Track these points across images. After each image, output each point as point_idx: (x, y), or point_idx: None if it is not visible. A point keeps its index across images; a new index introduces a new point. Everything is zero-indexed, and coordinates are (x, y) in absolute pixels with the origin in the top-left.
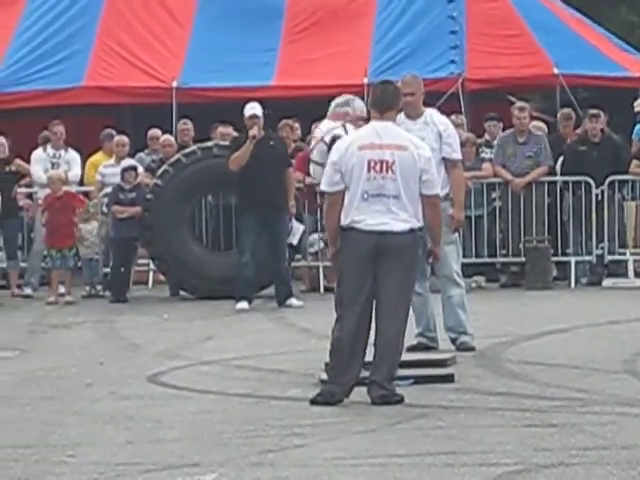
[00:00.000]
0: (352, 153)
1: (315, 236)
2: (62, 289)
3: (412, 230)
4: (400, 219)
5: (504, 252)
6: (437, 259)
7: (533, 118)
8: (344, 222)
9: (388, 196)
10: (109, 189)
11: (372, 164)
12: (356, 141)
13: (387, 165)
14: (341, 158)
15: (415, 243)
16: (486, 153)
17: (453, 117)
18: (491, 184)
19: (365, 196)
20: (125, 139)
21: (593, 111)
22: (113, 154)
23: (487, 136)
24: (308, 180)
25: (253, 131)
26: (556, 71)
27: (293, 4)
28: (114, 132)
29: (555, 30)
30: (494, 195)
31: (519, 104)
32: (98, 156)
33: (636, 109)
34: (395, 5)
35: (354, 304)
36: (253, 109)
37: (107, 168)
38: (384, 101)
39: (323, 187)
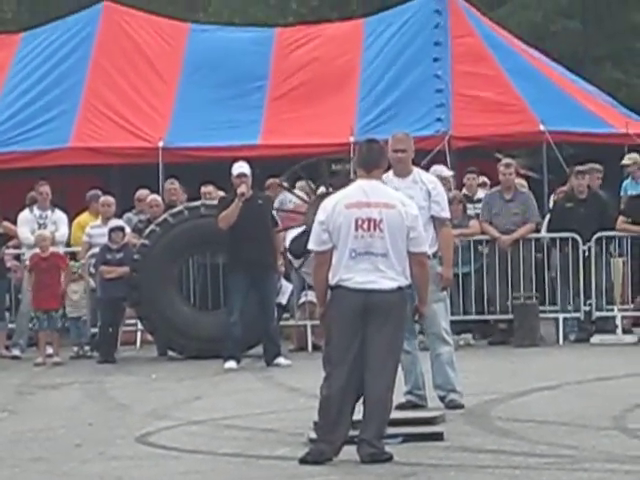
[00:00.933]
0: (339, 212)
1: (306, 291)
2: (50, 350)
3: (400, 288)
4: (388, 277)
5: (492, 309)
6: (423, 317)
7: (520, 175)
8: (332, 281)
9: (376, 254)
10: (97, 249)
11: (360, 222)
12: (343, 199)
13: (375, 223)
14: (328, 217)
15: (403, 301)
16: (470, 209)
17: (441, 167)
18: (478, 241)
19: (353, 254)
20: (111, 199)
21: (580, 168)
22: (99, 215)
23: (465, 190)
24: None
25: (242, 189)
26: (542, 128)
27: (278, 61)
28: (100, 193)
29: (541, 87)
30: (481, 249)
31: (505, 161)
32: (84, 216)
33: (624, 162)
34: (379, 63)
35: (343, 362)
36: (241, 168)
37: (94, 229)
38: (370, 160)
39: (311, 246)
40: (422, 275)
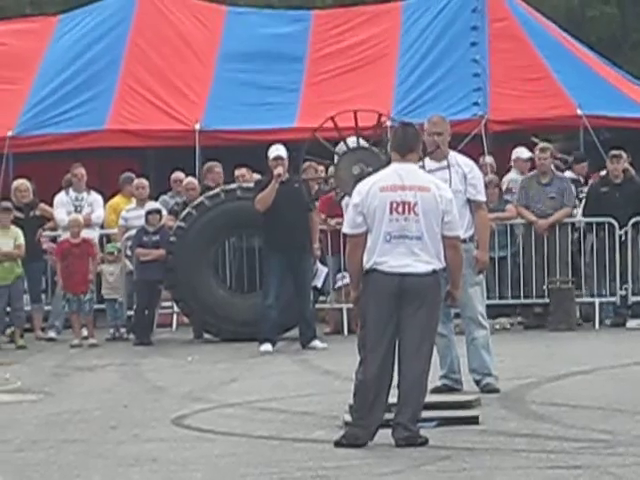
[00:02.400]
0: (374, 195)
1: (343, 274)
2: (85, 332)
3: (435, 271)
4: (423, 260)
5: (527, 293)
6: (455, 301)
7: (556, 159)
8: (367, 264)
9: (411, 237)
10: (133, 232)
11: (394, 205)
12: (378, 183)
13: (409, 206)
14: (363, 200)
15: (438, 284)
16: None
17: (522, 148)
18: (515, 225)
19: (388, 238)
20: (144, 182)
21: (615, 152)
22: (132, 197)
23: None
24: (332, 222)
25: (278, 170)
26: (579, 112)
27: (315, 44)
28: (133, 175)
29: (577, 72)
30: (518, 232)
31: (541, 145)
32: (117, 199)
33: None
34: (417, 48)
35: (378, 346)
36: (277, 150)
37: (130, 212)
38: (405, 143)
39: (345, 229)
40: (456, 259)
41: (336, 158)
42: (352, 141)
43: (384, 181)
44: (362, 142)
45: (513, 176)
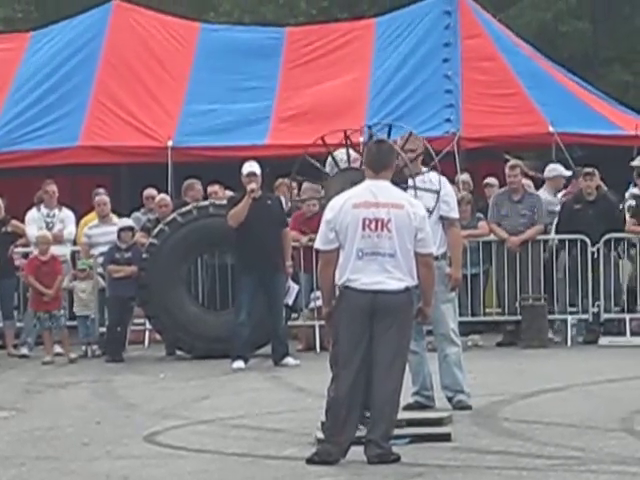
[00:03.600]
0: (347, 211)
1: (316, 293)
2: (58, 349)
3: (407, 289)
4: (395, 278)
5: (499, 310)
6: (426, 319)
7: (528, 177)
8: (339, 281)
9: (383, 254)
10: (96, 250)
11: (367, 222)
12: (350, 199)
13: (382, 223)
14: (335, 216)
15: (410, 302)
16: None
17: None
18: (487, 242)
19: (360, 254)
20: (105, 198)
21: (587, 169)
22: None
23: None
24: (304, 239)
25: (252, 185)
26: (551, 129)
27: (288, 61)
28: (101, 191)
29: (550, 89)
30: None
31: (511, 162)
32: (91, 216)
33: (635, 164)
34: (389, 64)
35: (350, 363)
36: (251, 167)
37: (92, 229)
38: (379, 160)
39: (317, 245)
40: (428, 276)
41: (327, 179)
42: (341, 153)
43: (357, 197)
44: (353, 157)
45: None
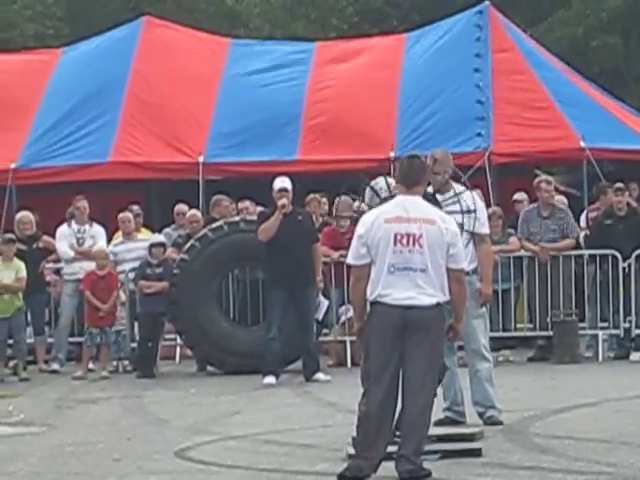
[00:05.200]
0: (379, 226)
1: (344, 307)
2: (91, 365)
3: (439, 304)
4: (427, 293)
5: (531, 326)
6: (457, 335)
7: (559, 192)
8: (370, 296)
9: (415, 270)
10: (122, 266)
11: (399, 237)
12: (382, 214)
13: (414, 238)
14: (367, 231)
15: (442, 317)
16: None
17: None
18: (518, 258)
19: (392, 269)
20: (129, 215)
21: (619, 185)
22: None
23: None
24: (335, 255)
25: (282, 201)
26: (582, 144)
27: (318, 74)
28: (136, 208)
29: (581, 104)
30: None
31: (546, 177)
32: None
33: None
34: (420, 76)
35: (381, 378)
36: (283, 182)
37: (117, 246)
38: (411, 176)
39: (349, 260)
40: (460, 292)
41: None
42: (380, 182)
43: (389, 213)
44: (393, 185)
45: None
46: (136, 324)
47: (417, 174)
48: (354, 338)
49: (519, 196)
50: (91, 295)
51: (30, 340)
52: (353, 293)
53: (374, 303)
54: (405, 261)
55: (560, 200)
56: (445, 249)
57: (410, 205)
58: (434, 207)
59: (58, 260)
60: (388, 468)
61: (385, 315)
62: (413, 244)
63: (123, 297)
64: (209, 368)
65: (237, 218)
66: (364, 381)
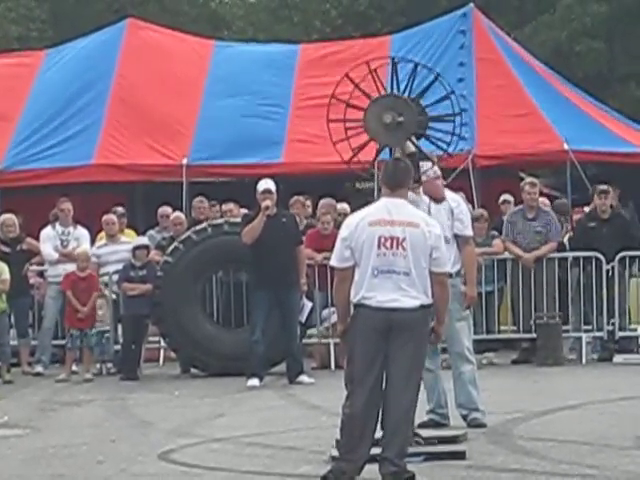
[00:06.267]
0: (362, 229)
1: (328, 310)
2: (74, 367)
3: (422, 306)
4: (410, 296)
5: (515, 328)
6: (439, 338)
7: (543, 194)
8: (354, 298)
9: (398, 272)
10: (105, 268)
11: (382, 240)
12: (366, 217)
13: (398, 241)
14: (351, 234)
15: (425, 319)
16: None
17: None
18: (502, 260)
19: (375, 272)
20: (113, 218)
21: (602, 187)
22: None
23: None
24: (319, 257)
25: (266, 203)
26: (566, 147)
27: (302, 76)
28: (120, 209)
29: (564, 107)
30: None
31: (530, 180)
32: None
33: None
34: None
35: (365, 381)
36: (267, 184)
37: (101, 248)
38: (395, 178)
39: (333, 263)
40: (442, 295)
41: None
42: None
43: (373, 215)
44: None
45: None
46: (120, 326)
47: (402, 177)
48: (338, 340)
49: (507, 197)
50: (72, 295)
51: (14, 342)
52: (337, 295)
53: (358, 306)
54: (389, 264)
55: (543, 202)
56: (428, 252)
57: (394, 208)
58: (418, 210)
59: (42, 262)
60: (372, 471)
61: (369, 318)
62: (397, 247)
63: (113, 297)
64: (193, 370)
65: (221, 220)
66: (348, 383)
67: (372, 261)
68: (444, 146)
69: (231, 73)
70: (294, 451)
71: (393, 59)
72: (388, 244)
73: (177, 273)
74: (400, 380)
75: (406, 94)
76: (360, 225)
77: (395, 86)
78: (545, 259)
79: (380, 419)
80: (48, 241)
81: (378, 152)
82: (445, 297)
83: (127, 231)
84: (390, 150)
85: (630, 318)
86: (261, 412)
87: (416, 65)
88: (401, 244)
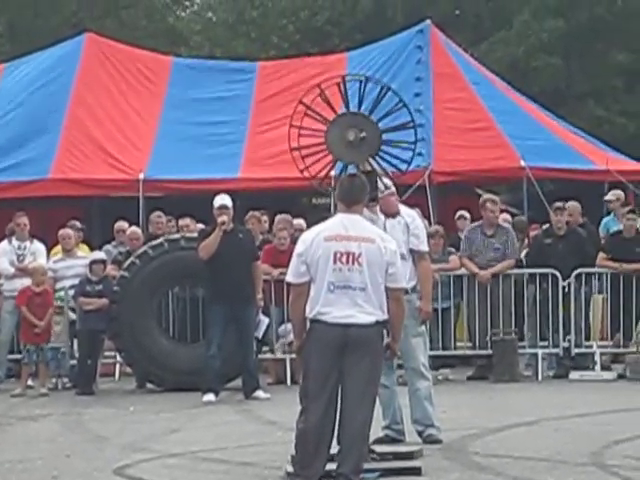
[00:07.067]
0: (318, 244)
1: (286, 327)
2: (30, 382)
3: (377, 322)
4: (366, 312)
5: (470, 344)
6: (394, 355)
7: (502, 211)
8: (310, 314)
9: (354, 288)
10: (61, 283)
11: (338, 255)
12: (322, 232)
13: (353, 257)
14: (307, 249)
15: (380, 335)
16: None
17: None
18: (458, 276)
19: (331, 288)
20: (69, 232)
21: (558, 204)
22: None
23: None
24: (275, 273)
25: (222, 218)
26: (523, 164)
27: (260, 95)
28: (77, 223)
29: (521, 122)
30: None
31: (491, 197)
32: (58, 248)
33: (607, 198)
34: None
35: (319, 396)
36: (223, 200)
37: (57, 263)
38: (351, 194)
39: (289, 278)
40: (398, 311)
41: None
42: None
43: (329, 230)
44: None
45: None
46: (75, 341)
47: (357, 193)
48: (294, 356)
49: (463, 213)
50: (27, 311)
51: None
52: (292, 311)
53: (313, 321)
54: (345, 279)
55: (505, 218)
56: (384, 268)
57: (350, 223)
58: (373, 226)
59: None
60: None
61: (324, 333)
62: (352, 262)
63: (72, 315)
64: (149, 385)
65: (177, 235)
66: (302, 399)
67: (328, 276)
68: (402, 166)
69: (188, 91)
70: (250, 466)
71: (343, 77)
72: (344, 259)
73: (133, 288)
74: (355, 396)
75: (361, 110)
76: (316, 240)
77: (349, 103)
78: (501, 275)
79: (336, 435)
80: (4, 255)
81: (332, 168)
82: (401, 313)
83: (81, 245)
84: (345, 165)
85: (591, 335)
86: (217, 427)
87: (366, 79)
88: (357, 259)
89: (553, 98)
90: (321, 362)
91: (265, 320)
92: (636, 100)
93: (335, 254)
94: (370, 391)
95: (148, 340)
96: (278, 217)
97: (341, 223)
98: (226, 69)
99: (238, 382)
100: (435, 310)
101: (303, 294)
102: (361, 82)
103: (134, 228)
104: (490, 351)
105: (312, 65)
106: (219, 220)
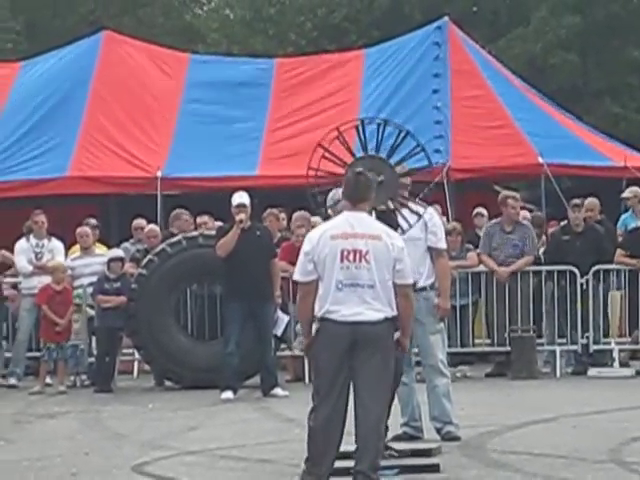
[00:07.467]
0: (325, 243)
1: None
2: (48, 379)
3: (386, 319)
4: (374, 308)
5: (489, 341)
6: (404, 350)
7: (522, 208)
8: (318, 313)
9: (362, 285)
10: (79, 281)
11: (345, 253)
12: (329, 231)
13: (361, 254)
14: (314, 248)
15: (390, 331)
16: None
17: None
18: (476, 273)
19: (339, 286)
20: (87, 230)
21: (576, 201)
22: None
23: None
24: (293, 270)
25: (240, 216)
26: (541, 160)
27: (278, 92)
28: (93, 221)
29: (539, 120)
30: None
31: (512, 193)
32: (77, 247)
33: (625, 195)
34: (379, 94)
35: (329, 395)
36: (241, 198)
37: (75, 261)
38: (357, 192)
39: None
40: (406, 307)
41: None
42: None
43: (335, 229)
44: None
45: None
46: (94, 338)
47: (363, 190)
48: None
49: (480, 210)
50: (48, 310)
51: None
52: (300, 309)
53: (322, 320)
54: (352, 277)
55: (524, 215)
56: (392, 265)
57: (356, 221)
58: (380, 223)
59: (16, 274)
60: None
61: (333, 332)
62: (360, 260)
63: (91, 312)
64: (167, 383)
65: (195, 233)
66: (314, 397)
67: (336, 274)
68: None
69: (206, 88)
70: (268, 464)
71: (362, 120)
72: (351, 257)
73: (151, 285)
74: (367, 393)
75: (379, 153)
76: (322, 238)
77: (367, 146)
78: (520, 272)
79: (354, 432)
80: (22, 253)
81: None
82: (409, 309)
83: (98, 244)
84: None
85: (609, 331)
86: (235, 425)
87: (385, 122)
88: (364, 257)
89: (570, 95)
90: (330, 361)
91: (285, 318)
92: None
93: (342, 252)
94: (383, 388)
95: (166, 337)
96: (296, 214)
97: (347, 221)
98: (244, 65)
99: (256, 379)
100: (453, 307)
101: (311, 292)
102: (379, 125)
103: (152, 226)
104: (508, 348)
105: (330, 62)
106: (237, 218)
